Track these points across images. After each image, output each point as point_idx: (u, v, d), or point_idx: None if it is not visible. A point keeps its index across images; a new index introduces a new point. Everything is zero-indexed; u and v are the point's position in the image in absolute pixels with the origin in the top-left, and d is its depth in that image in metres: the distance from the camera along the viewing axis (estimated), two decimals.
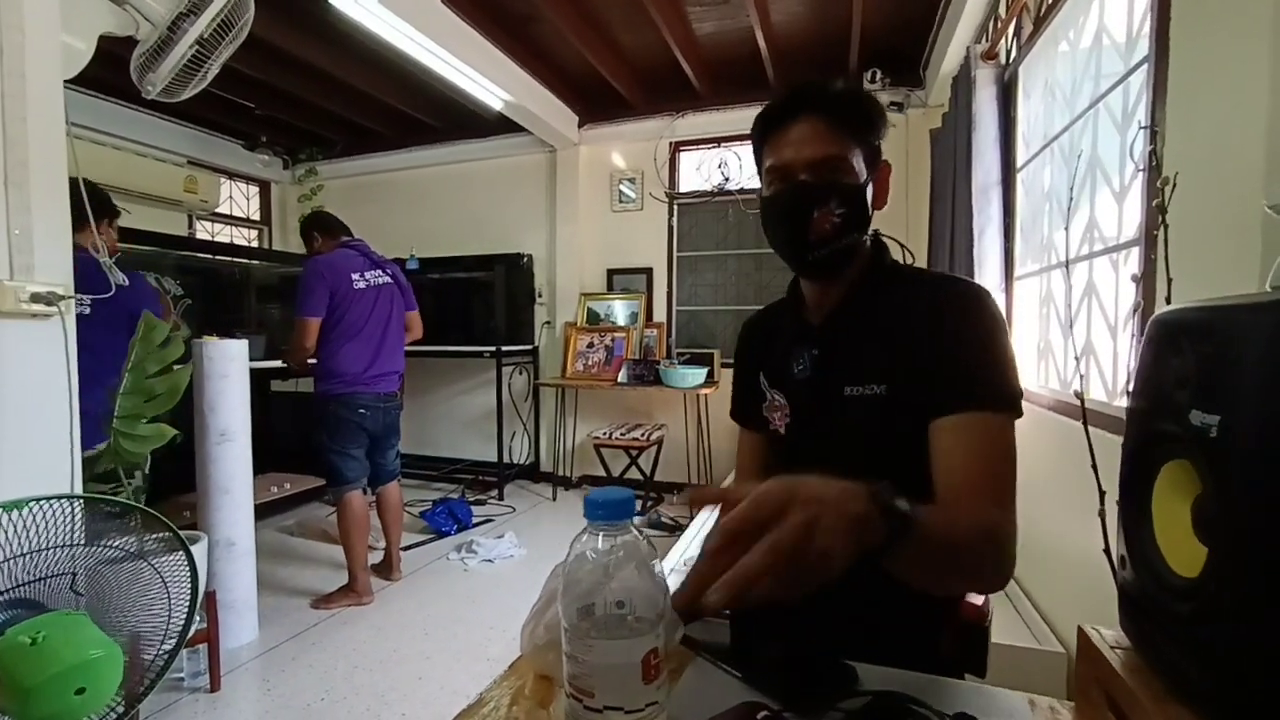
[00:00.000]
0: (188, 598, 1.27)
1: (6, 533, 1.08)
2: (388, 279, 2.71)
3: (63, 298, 1.46)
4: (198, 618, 1.35)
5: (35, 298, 1.41)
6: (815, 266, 0.83)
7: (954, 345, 0.75)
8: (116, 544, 1.20)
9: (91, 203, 1.91)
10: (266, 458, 3.54)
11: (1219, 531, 0.47)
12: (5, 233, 1.38)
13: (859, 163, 0.79)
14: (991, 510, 0.69)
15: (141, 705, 1.22)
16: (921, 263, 3.25)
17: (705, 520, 2.82)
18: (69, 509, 1.18)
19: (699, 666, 0.72)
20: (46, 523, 1.14)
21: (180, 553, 1.27)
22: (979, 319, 0.76)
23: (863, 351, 0.82)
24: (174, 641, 1.24)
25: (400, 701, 1.90)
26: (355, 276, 2.59)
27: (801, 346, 0.89)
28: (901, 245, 0.90)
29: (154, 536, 1.30)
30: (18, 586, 1.08)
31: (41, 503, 1.15)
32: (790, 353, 0.90)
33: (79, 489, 1.50)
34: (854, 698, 0.59)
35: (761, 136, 0.84)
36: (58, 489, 1.42)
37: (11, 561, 1.08)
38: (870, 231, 0.86)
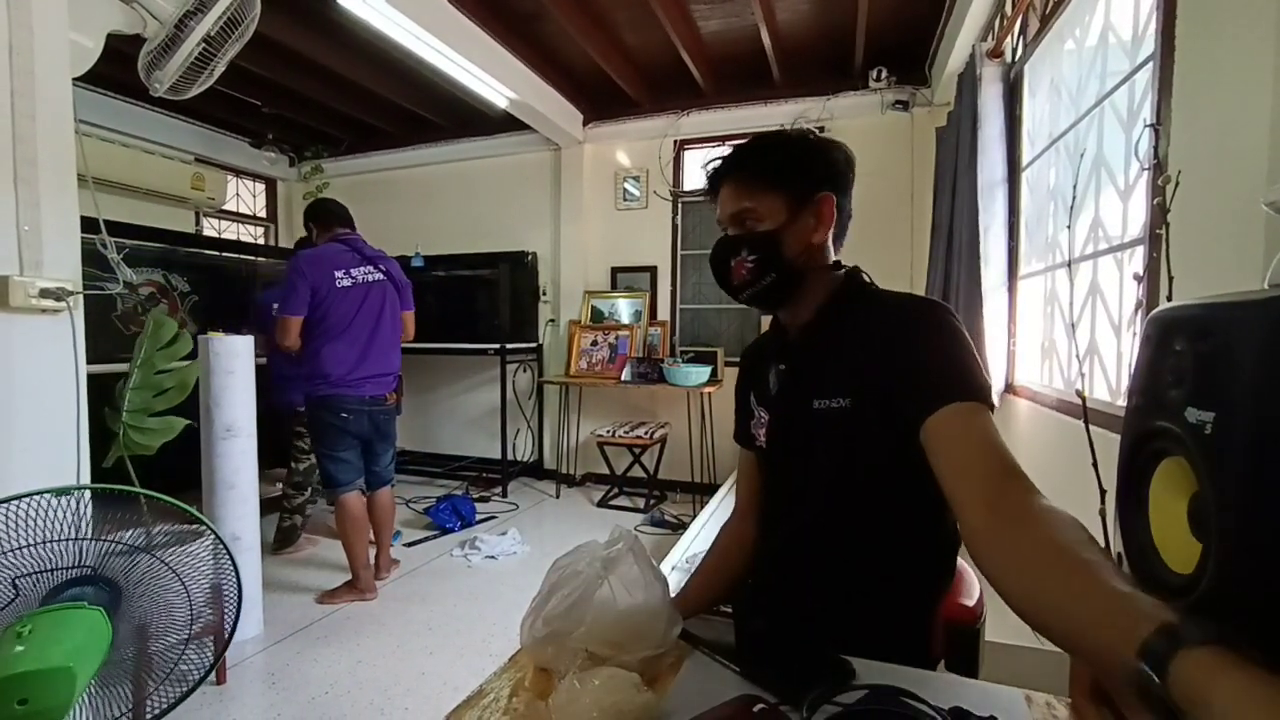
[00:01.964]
0: (223, 596, 1.26)
1: (41, 519, 1.09)
2: (380, 275, 2.59)
3: (71, 293, 1.48)
4: (210, 612, 1.35)
5: (45, 293, 1.42)
6: (750, 303, 0.91)
7: (919, 354, 0.77)
8: (127, 538, 1.21)
9: None
10: (271, 453, 3.56)
11: (1213, 528, 0.47)
12: (15, 229, 1.40)
13: (775, 208, 0.84)
14: (1036, 497, 0.63)
15: (149, 701, 1.21)
16: (924, 262, 3.25)
17: (708, 518, 2.83)
18: (78, 500, 1.19)
19: (697, 661, 0.72)
20: (74, 514, 1.14)
21: (206, 545, 1.27)
22: (938, 328, 0.78)
23: (827, 367, 0.86)
24: (198, 626, 1.23)
25: (404, 696, 1.92)
26: (339, 274, 2.47)
27: (775, 363, 0.94)
28: (865, 274, 0.93)
29: (181, 529, 1.30)
30: (55, 570, 1.08)
31: (80, 492, 1.15)
32: (768, 370, 0.95)
33: (86, 481, 1.51)
34: (850, 692, 0.59)
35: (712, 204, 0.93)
36: (65, 482, 1.44)
37: (48, 546, 1.07)
38: (834, 260, 0.91)
